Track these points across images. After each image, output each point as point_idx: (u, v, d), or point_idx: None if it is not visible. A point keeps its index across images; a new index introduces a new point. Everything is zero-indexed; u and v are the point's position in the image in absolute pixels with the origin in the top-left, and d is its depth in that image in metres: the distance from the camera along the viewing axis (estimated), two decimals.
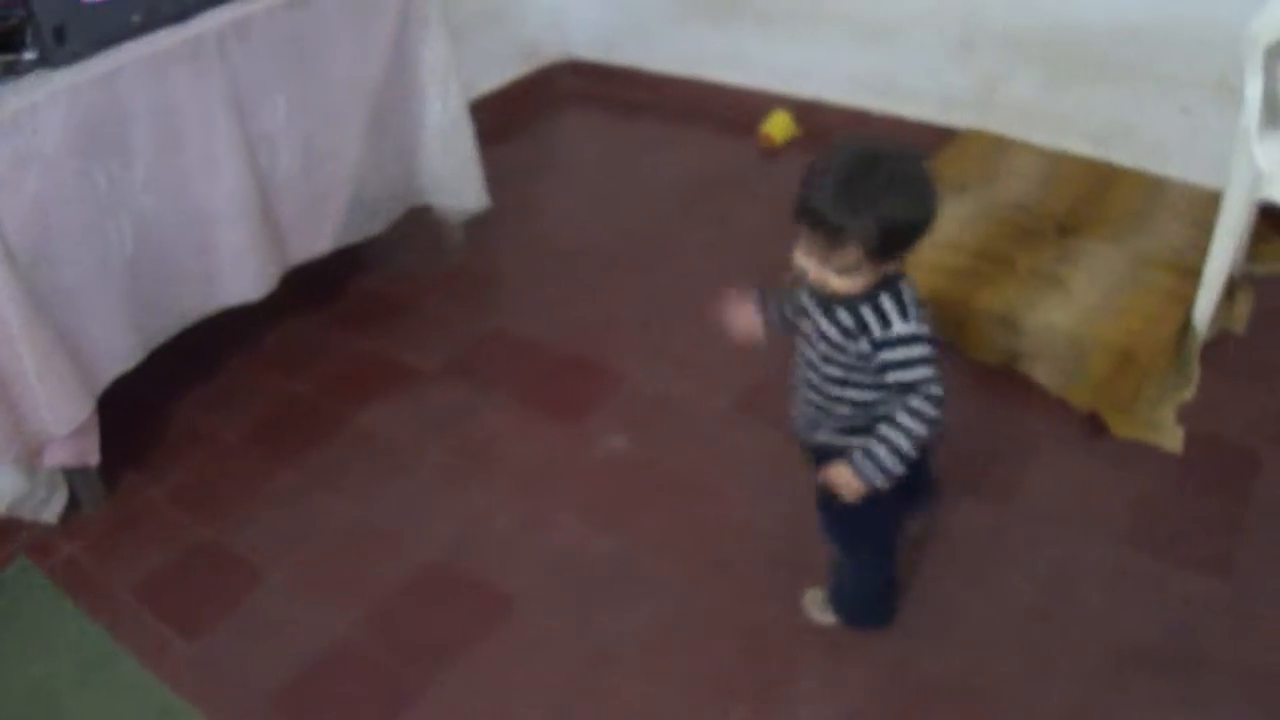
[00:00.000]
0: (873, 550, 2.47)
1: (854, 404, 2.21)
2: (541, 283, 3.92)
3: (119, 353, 3.06)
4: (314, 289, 3.81)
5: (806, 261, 2.07)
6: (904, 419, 2.10)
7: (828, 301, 2.14)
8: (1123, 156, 3.99)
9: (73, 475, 3.07)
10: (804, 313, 2.22)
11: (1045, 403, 3.16)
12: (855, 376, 2.17)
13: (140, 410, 3.40)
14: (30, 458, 2.91)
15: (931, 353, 2.09)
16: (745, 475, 2.91)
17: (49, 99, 2.74)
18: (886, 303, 2.08)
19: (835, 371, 2.18)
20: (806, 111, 4.73)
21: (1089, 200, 3.75)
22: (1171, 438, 2.99)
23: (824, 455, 2.25)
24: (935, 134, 4.34)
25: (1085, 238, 3.53)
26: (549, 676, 2.54)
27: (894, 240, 2.00)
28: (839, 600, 2.58)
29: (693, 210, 4.24)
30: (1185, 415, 3.06)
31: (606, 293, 3.81)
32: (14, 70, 2.83)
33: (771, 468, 2.96)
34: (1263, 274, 3.55)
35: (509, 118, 4.88)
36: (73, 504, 3.11)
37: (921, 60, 4.43)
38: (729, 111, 4.89)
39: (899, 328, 2.08)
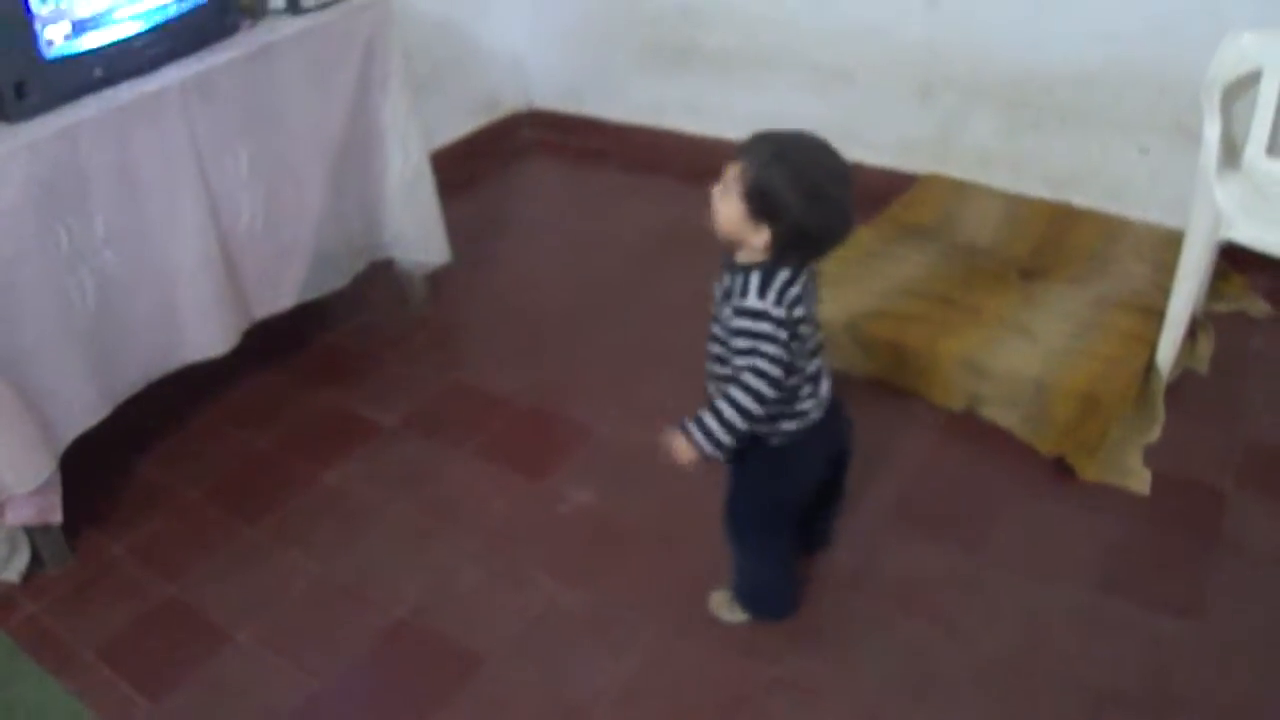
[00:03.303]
0: (760, 543, 2.62)
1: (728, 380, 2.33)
2: (505, 335, 3.91)
3: (81, 410, 3.03)
4: (276, 344, 3.78)
5: (716, 189, 2.29)
6: (734, 390, 2.24)
7: (727, 267, 2.33)
8: (1083, 199, 4.05)
9: (35, 533, 3.02)
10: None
11: (1011, 448, 3.17)
12: (728, 352, 2.31)
13: (103, 467, 3.36)
14: None
15: (774, 332, 2.22)
16: (714, 528, 2.90)
17: (9, 155, 2.72)
18: (754, 278, 2.24)
19: (716, 348, 2.40)
20: None
21: (1050, 243, 3.79)
22: (1138, 480, 3.00)
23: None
24: (895, 179, 4.37)
25: (1047, 280, 3.56)
26: None
27: (763, 197, 2.19)
28: (741, 595, 2.69)
29: (655, 259, 4.25)
30: (1151, 456, 3.08)
31: (571, 344, 3.80)
32: None
33: None
34: (1224, 312, 3.59)
35: (470, 169, 4.88)
36: (35, 562, 3.06)
37: (880, 106, 4.47)
38: (690, 159, 4.87)
39: (752, 300, 2.23)
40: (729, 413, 2.25)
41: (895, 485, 3.07)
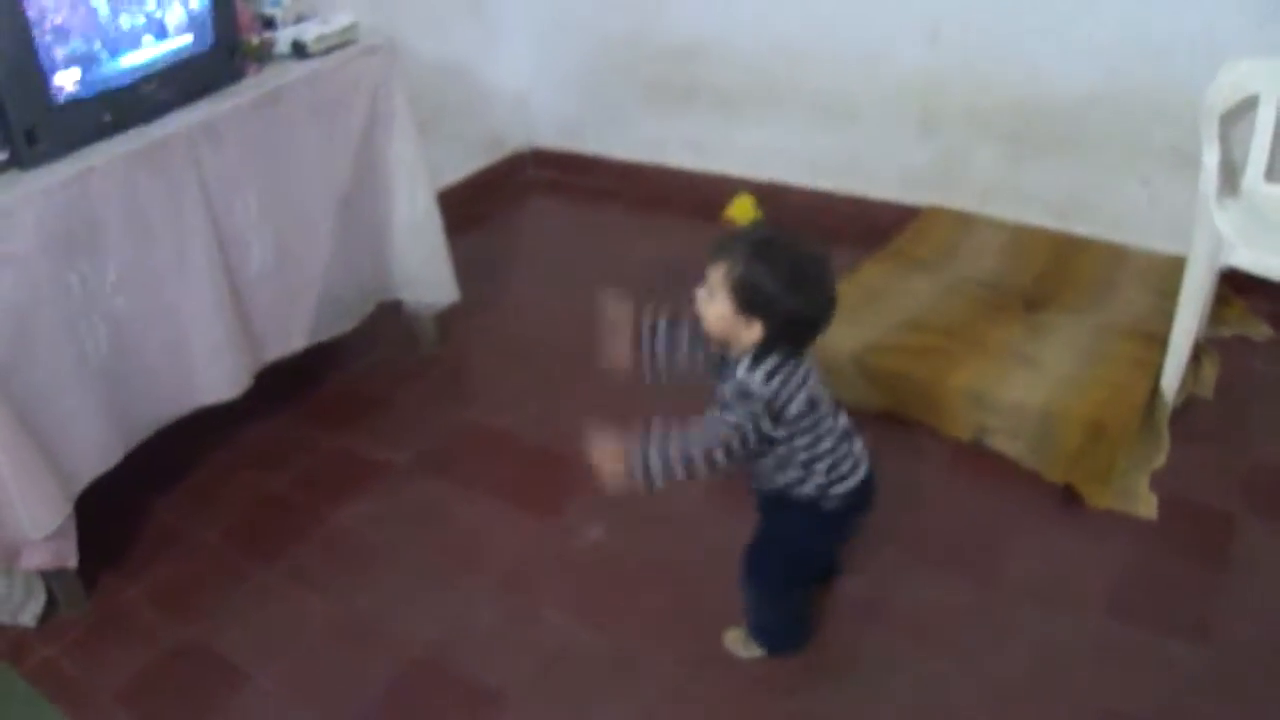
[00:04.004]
0: (782, 590, 2.65)
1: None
2: (514, 374, 3.93)
3: (96, 454, 3.04)
4: (287, 386, 3.80)
5: (700, 293, 2.36)
6: (690, 437, 2.28)
7: (721, 367, 2.39)
8: (1084, 228, 4.08)
9: (50, 577, 3.04)
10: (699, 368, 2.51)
11: (1019, 477, 3.19)
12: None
13: (116, 510, 3.36)
14: (6, 561, 2.90)
15: (753, 407, 2.28)
16: (726, 561, 2.91)
17: (22, 201, 2.75)
18: (745, 358, 2.31)
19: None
20: (770, 194, 4.78)
21: (1053, 273, 3.82)
22: (1146, 505, 3.02)
23: (768, 499, 2.53)
24: (898, 212, 4.41)
25: (1051, 310, 3.59)
26: None
27: (751, 292, 2.25)
28: (757, 632, 2.72)
29: (660, 296, 4.26)
30: (1158, 482, 3.10)
31: (578, 382, 3.79)
32: None
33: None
34: (1227, 337, 3.61)
35: (475, 208, 4.91)
36: (51, 606, 3.07)
37: (882, 140, 4.51)
38: (693, 196, 4.94)
39: (741, 373, 2.30)
40: (675, 458, 2.28)
41: (906, 517, 3.08)
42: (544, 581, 3.03)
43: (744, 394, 2.28)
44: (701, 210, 4.79)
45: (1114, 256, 3.90)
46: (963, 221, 4.22)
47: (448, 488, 3.41)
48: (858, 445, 2.48)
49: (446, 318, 4.12)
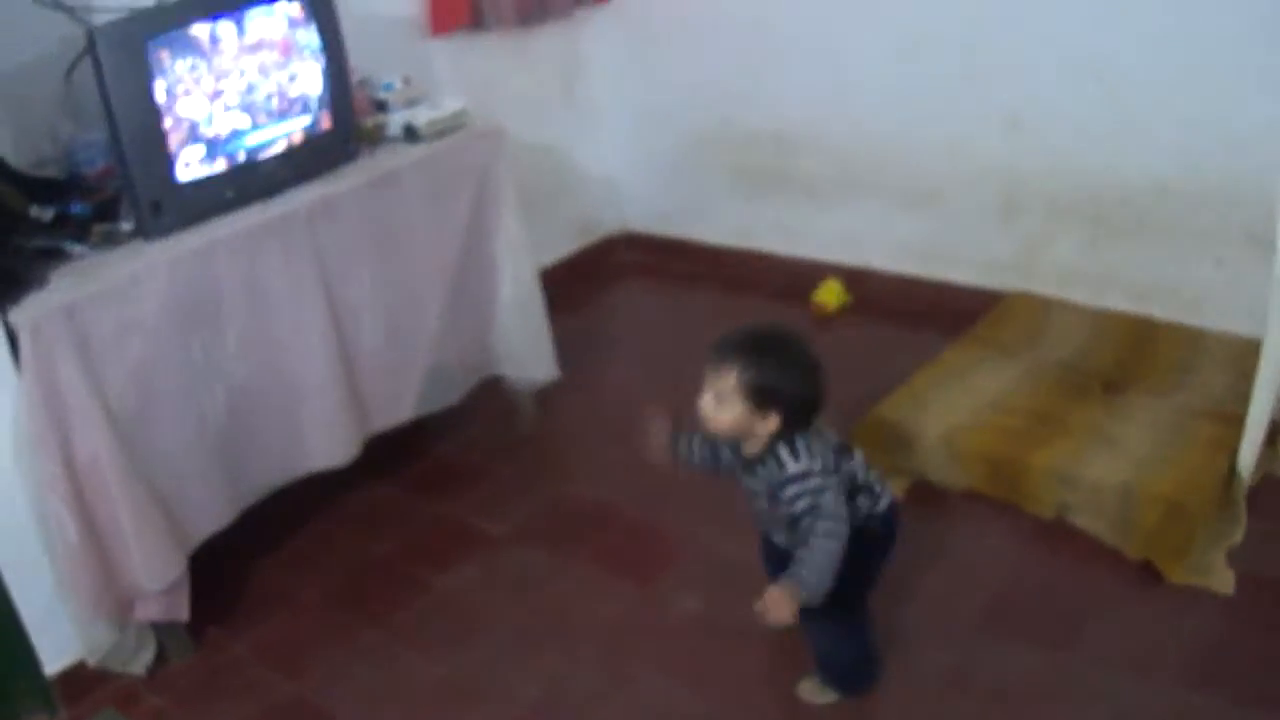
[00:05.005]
0: (847, 625, 2.76)
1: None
2: (608, 451, 3.95)
3: (211, 513, 3.16)
4: (391, 455, 3.86)
5: (705, 401, 2.50)
6: (814, 540, 2.40)
7: (747, 465, 2.56)
8: (1161, 310, 4.11)
9: (161, 630, 3.14)
10: (733, 471, 2.65)
11: (1099, 553, 3.22)
12: (783, 511, 2.52)
13: (224, 569, 3.45)
14: (122, 612, 3.00)
15: (824, 483, 2.44)
16: None
17: (149, 270, 2.90)
18: (782, 451, 2.47)
19: (781, 511, 2.53)
20: (857, 279, 4.85)
21: (1132, 356, 3.87)
22: (1223, 581, 3.05)
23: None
24: (980, 297, 4.46)
25: (1131, 392, 3.64)
26: None
27: (766, 391, 2.42)
28: (831, 676, 2.83)
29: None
30: (1235, 559, 3.12)
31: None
32: (111, 240, 3.01)
33: None
34: None
35: (570, 290, 4.96)
36: (160, 658, 3.16)
37: (964, 226, 4.57)
38: (782, 280, 5.00)
39: (791, 468, 2.46)
40: (824, 561, 2.41)
41: (989, 590, 3.14)
42: (641, 648, 3.09)
43: (805, 479, 2.44)
44: (788, 293, 4.86)
45: (1191, 339, 3.94)
46: (1043, 307, 4.28)
47: (546, 556, 3.48)
48: (875, 473, 2.65)
49: (545, 394, 4.19)
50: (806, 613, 2.60)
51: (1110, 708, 2.73)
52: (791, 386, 2.42)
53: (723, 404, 2.45)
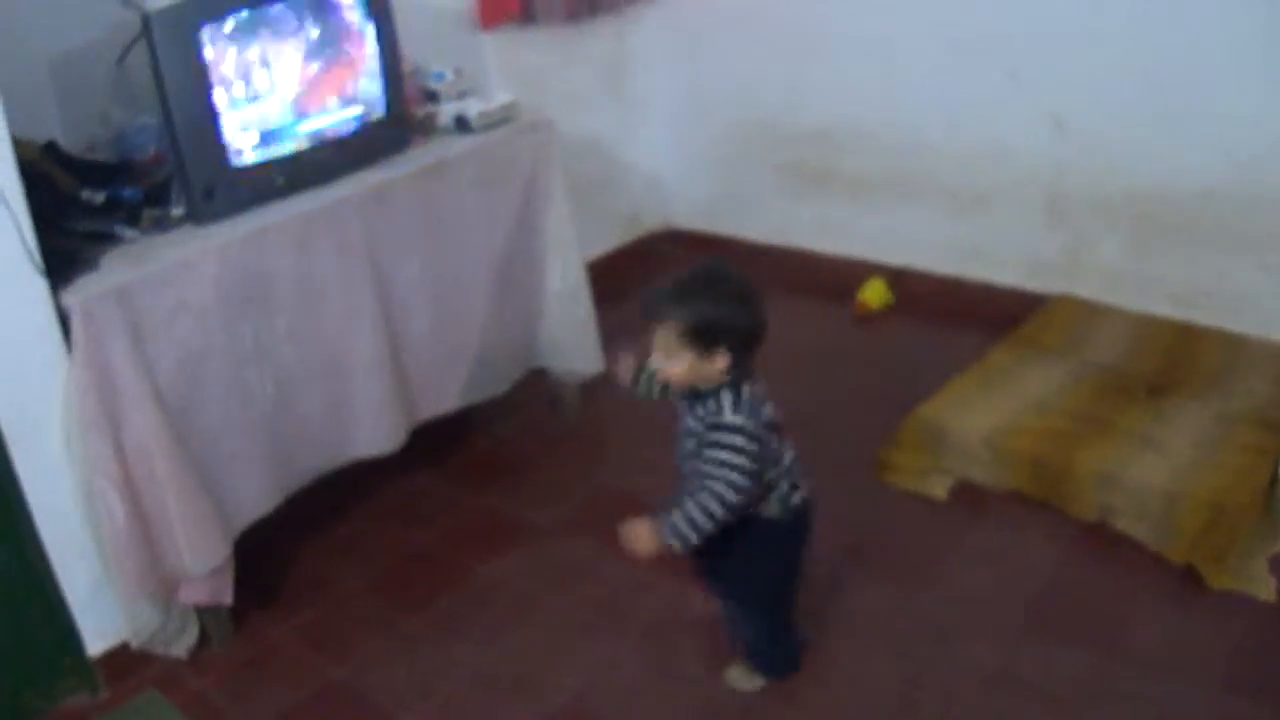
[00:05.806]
0: (780, 611, 2.84)
1: None
2: (653, 443, 3.87)
3: (257, 498, 3.18)
4: (435, 445, 3.88)
5: (656, 358, 2.52)
6: (705, 497, 2.44)
7: (691, 399, 2.55)
8: (1205, 316, 4.10)
9: (204, 613, 3.16)
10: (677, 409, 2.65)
11: (1141, 557, 3.22)
12: (700, 450, 2.53)
13: (268, 554, 3.48)
14: (166, 594, 3.02)
15: (746, 445, 2.46)
16: (858, 630, 2.99)
17: (200, 255, 2.92)
18: (726, 397, 2.49)
19: (690, 444, 2.58)
20: (900, 278, 4.85)
21: (1175, 360, 3.87)
22: (1264, 587, 3.06)
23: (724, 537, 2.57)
24: (1024, 299, 4.46)
25: (1174, 397, 3.65)
26: None
27: (706, 330, 2.42)
28: (761, 662, 2.90)
29: (792, 375, 4.27)
30: (1277, 565, 3.12)
31: None
32: (162, 225, 3.04)
33: (885, 623, 3.07)
34: None
35: (613, 283, 4.89)
36: (202, 641, 3.19)
37: (1009, 227, 4.57)
38: (824, 278, 5.00)
39: (728, 416, 2.47)
40: (699, 516, 2.45)
41: (1031, 592, 3.14)
42: (686, 638, 3.10)
43: (733, 433, 2.46)
44: (832, 291, 4.87)
45: (1235, 345, 3.94)
46: (1088, 310, 4.28)
47: (589, 547, 3.48)
48: (799, 466, 2.68)
49: (589, 387, 4.21)
50: (746, 604, 2.78)
51: (1151, 711, 2.74)
52: (730, 319, 2.43)
53: (671, 356, 2.47)
